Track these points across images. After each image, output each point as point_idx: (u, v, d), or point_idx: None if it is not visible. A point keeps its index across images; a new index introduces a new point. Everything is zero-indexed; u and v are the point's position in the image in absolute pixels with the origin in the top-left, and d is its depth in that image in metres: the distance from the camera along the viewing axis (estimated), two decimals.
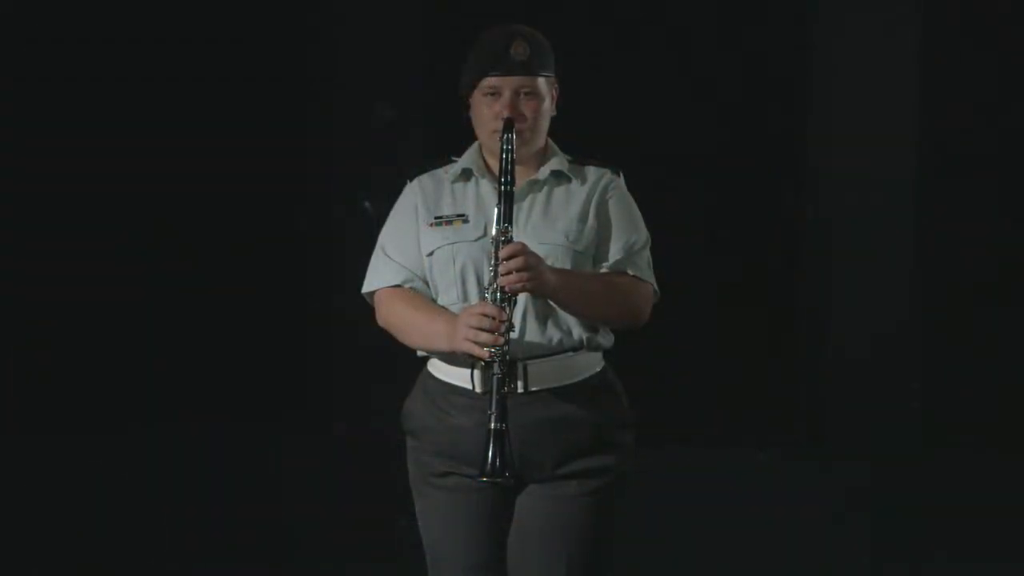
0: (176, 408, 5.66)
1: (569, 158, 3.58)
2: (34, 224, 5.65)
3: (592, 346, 3.49)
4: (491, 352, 3.30)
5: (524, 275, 3.31)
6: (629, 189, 3.60)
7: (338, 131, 5.74)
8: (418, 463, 3.55)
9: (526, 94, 3.47)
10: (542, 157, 3.56)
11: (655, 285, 3.54)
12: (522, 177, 3.48)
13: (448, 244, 3.47)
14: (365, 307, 3.61)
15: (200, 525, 5.51)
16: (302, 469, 5.63)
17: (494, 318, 3.30)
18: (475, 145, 3.58)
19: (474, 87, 3.50)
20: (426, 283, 3.52)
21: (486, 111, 3.48)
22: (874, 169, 5.73)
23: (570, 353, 3.47)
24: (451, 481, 3.49)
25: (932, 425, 5.77)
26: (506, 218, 3.35)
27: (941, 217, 5.78)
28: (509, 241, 3.34)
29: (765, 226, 5.88)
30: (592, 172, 3.56)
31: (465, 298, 3.46)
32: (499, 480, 3.30)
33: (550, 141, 3.60)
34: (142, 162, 5.63)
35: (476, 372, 3.43)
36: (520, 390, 3.42)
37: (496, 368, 3.30)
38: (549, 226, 3.48)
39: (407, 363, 3.63)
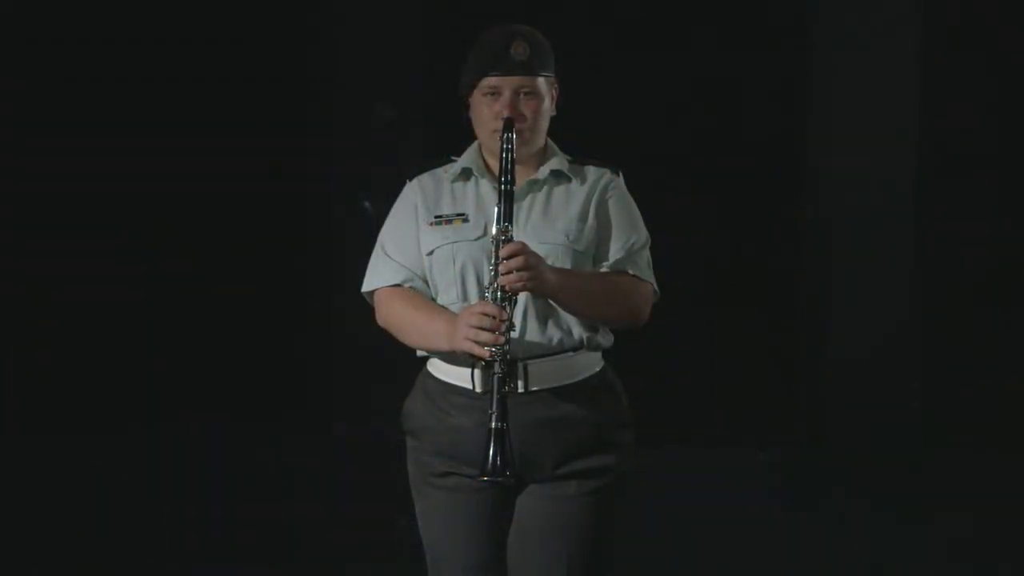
0: (176, 408, 5.66)
1: (569, 158, 3.58)
2: (34, 224, 5.65)
3: (592, 346, 3.49)
4: (491, 351, 3.30)
5: (524, 274, 3.32)
6: (629, 189, 3.60)
7: (338, 131, 5.74)
8: (418, 463, 3.55)
9: (526, 94, 3.47)
10: (542, 157, 3.56)
11: (655, 285, 3.54)
12: (522, 177, 3.48)
13: (448, 243, 3.48)
14: (365, 307, 3.61)
15: (200, 525, 5.51)
16: (302, 469, 5.63)
17: (494, 317, 3.30)
18: (475, 145, 3.58)
19: (474, 87, 3.50)
20: (426, 282, 3.52)
21: (486, 111, 3.48)
22: (874, 169, 5.73)
23: (570, 353, 3.47)
24: (451, 481, 3.49)
25: (932, 425, 5.77)
26: (506, 217, 3.35)
27: (941, 217, 5.77)
28: (509, 240, 3.34)
29: (765, 226, 5.87)
30: (592, 172, 3.56)
31: (465, 297, 3.46)
32: (500, 479, 3.30)
33: (550, 141, 3.60)
34: (142, 162, 5.62)
35: (476, 372, 3.43)
36: (520, 390, 3.42)
37: (496, 367, 3.30)
38: (549, 226, 3.48)
39: (407, 363, 3.63)
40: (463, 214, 3.51)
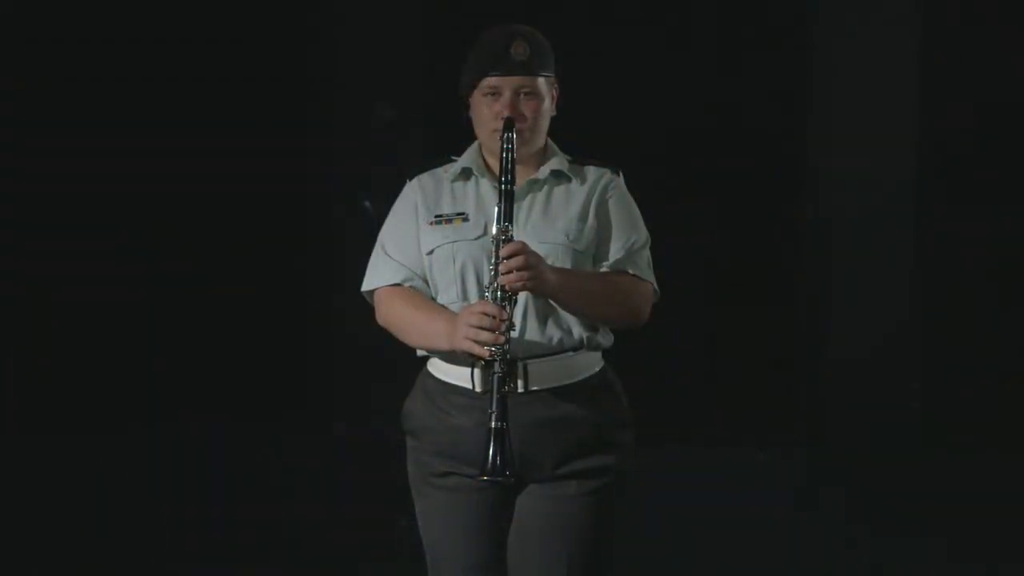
0: (176, 408, 5.66)
1: (569, 158, 3.59)
2: (34, 224, 5.65)
3: (592, 346, 3.50)
4: (491, 351, 3.30)
5: (524, 274, 3.32)
6: (629, 189, 3.60)
7: (338, 131, 5.74)
8: (418, 463, 3.55)
9: (526, 94, 3.47)
10: (542, 157, 3.56)
11: (655, 284, 3.54)
12: (522, 177, 3.48)
13: (448, 243, 3.48)
14: (365, 307, 3.61)
15: (200, 525, 5.51)
16: (302, 469, 5.63)
17: (494, 317, 3.30)
18: (475, 145, 3.58)
19: (474, 87, 3.50)
20: (426, 282, 3.52)
21: (486, 111, 3.48)
22: (874, 169, 5.73)
23: (570, 353, 3.47)
24: (451, 481, 3.49)
25: (932, 425, 5.77)
26: (506, 217, 3.36)
27: (941, 217, 5.77)
28: (509, 240, 3.34)
29: (765, 226, 5.87)
30: (592, 172, 3.57)
31: (464, 297, 3.46)
32: (500, 479, 3.30)
33: (550, 141, 3.60)
34: (142, 162, 5.63)
35: (476, 371, 3.43)
36: (520, 389, 3.42)
37: (496, 367, 3.30)
38: (549, 225, 3.48)
39: (407, 363, 3.63)
40: (463, 213, 3.51)
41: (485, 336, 3.30)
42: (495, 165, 3.47)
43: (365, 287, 3.58)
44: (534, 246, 3.38)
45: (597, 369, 3.53)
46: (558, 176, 3.55)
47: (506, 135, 3.41)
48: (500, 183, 3.39)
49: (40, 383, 5.70)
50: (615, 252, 3.50)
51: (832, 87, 5.77)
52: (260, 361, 5.74)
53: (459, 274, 3.47)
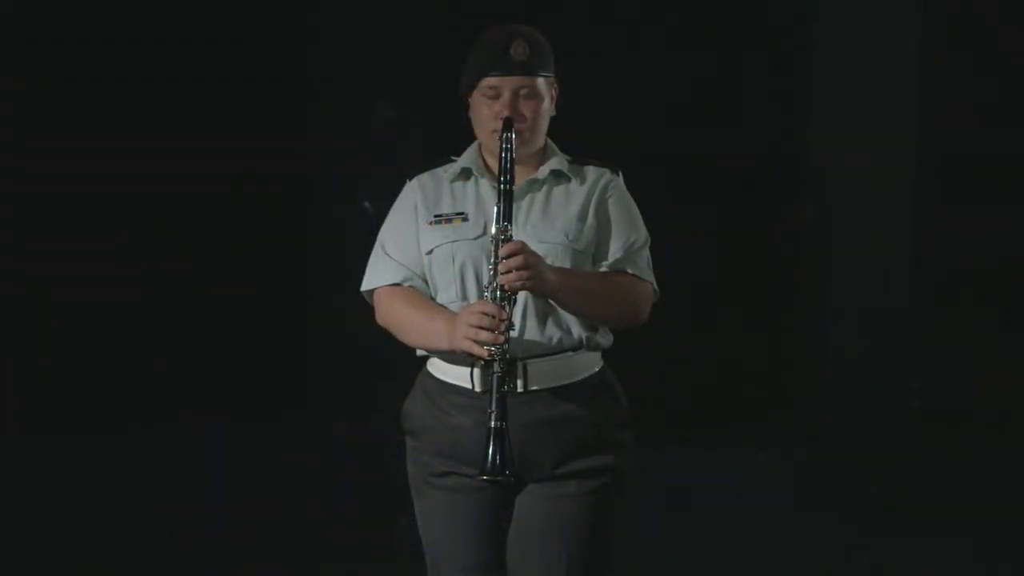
0: (176, 408, 5.65)
1: (569, 158, 3.59)
2: (34, 224, 5.65)
3: (591, 346, 3.50)
4: (491, 351, 3.30)
5: (524, 274, 3.32)
6: (629, 189, 3.60)
7: (338, 131, 5.74)
8: (418, 463, 3.55)
9: (525, 94, 3.48)
10: (541, 157, 3.56)
11: (655, 284, 3.55)
12: (521, 176, 3.49)
13: (447, 242, 3.48)
14: (365, 307, 3.61)
15: (200, 525, 5.51)
16: (302, 469, 5.63)
17: (494, 317, 3.30)
18: (475, 145, 3.58)
19: (474, 87, 3.50)
20: (425, 282, 3.52)
21: (486, 111, 3.48)
22: (874, 169, 5.72)
23: (570, 352, 3.47)
24: (451, 481, 3.49)
25: (932, 425, 5.77)
26: (506, 217, 3.36)
27: (941, 217, 5.77)
28: (509, 240, 3.34)
29: (765, 226, 5.87)
30: (592, 172, 3.57)
31: (464, 296, 3.46)
32: (500, 479, 3.30)
33: (549, 141, 3.60)
34: (142, 162, 5.62)
35: (476, 371, 3.43)
36: (520, 389, 3.42)
37: (496, 367, 3.30)
38: (548, 225, 3.48)
39: (407, 363, 3.63)
40: (463, 213, 3.51)
41: (485, 336, 3.30)
42: (495, 165, 3.47)
43: (365, 287, 3.58)
44: (533, 246, 3.38)
45: (597, 369, 3.53)
46: (558, 176, 3.55)
47: (505, 135, 3.41)
48: (499, 183, 3.39)
49: (40, 383, 5.70)
50: (615, 252, 3.50)
51: (832, 87, 5.77)
52: (260, 361, 5.74)
53: (458, 274, 3.47)
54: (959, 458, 5.69)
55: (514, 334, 3.36)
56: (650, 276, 3.54)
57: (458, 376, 3.47)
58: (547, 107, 3.53)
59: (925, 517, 5.58)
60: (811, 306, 5.86)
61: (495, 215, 3.37)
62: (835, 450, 5.76)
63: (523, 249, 3.33)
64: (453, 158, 3.60)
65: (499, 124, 3.44)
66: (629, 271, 3.50)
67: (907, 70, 5.73)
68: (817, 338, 5.83)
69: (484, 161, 3.56)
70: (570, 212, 3.50)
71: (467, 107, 3.55)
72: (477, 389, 3.43)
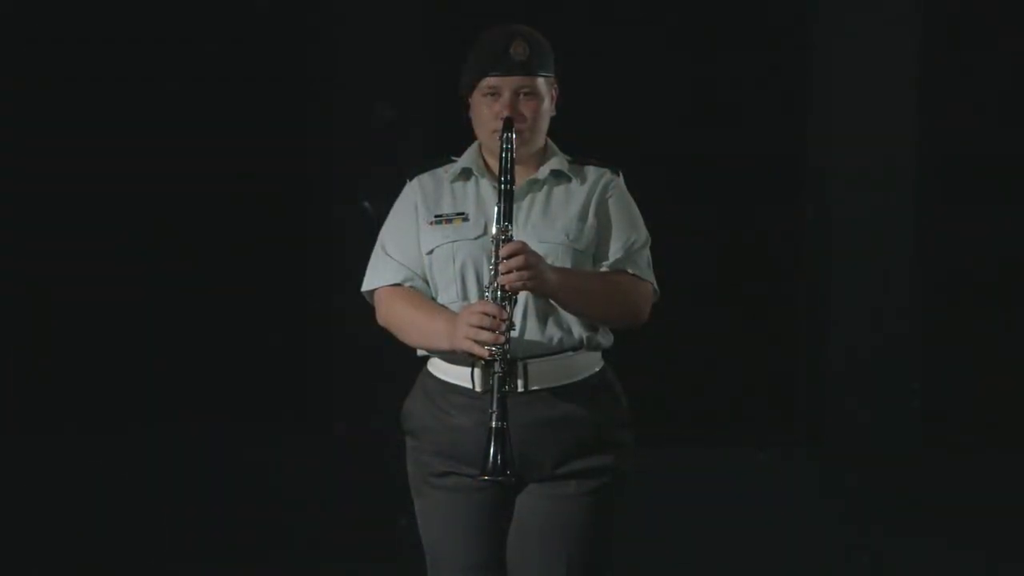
0: (176, 408, 5.66)
1: (569, 158, 3.59)
2: (34, 224, 5.65)
3: (592, 345, 3.50)
4: (491, 351, 3.30)
5: (524, 274, 3.32)
6: (629, 189, 3.60)
7: (338, 131, 5.74)
8: (418, 463, 3.55)
9: (525, 94, 3.48)
10: (542, 157, 3.56)
11: (655, 284, 3.55)
12: (522, 177, 3.49)
13: (448, 242, 3.48)
14: (365, 307, 3.61)
15: (200, 525, 5.51)
16: (302, 469, 5.63)
17: (495, 317, 3.30)
18: (475, 145, 3.58)
19: (474, 87, 3.50)
20: (426, 282, 3.52)
21: (486, 111, 3.48)
22: (874, 169, 5.72)
23: (570, 352, 3.47)
24: (451, 481, 3.49)
25: (932, 425, 5.77)
26: (506, 217, 3.36)
27: (941, 217, 5.77)
28: (509, 240, 3.34)
29: (765, 226, 5.87)
30: (592, 172, 3.57)
31: (464, 296, 3.46)
32: (500, 479, 3.30)
33: (549, 141, 3.60)
34: (142, 162, 5.62)
35: (476, 371, 3.43)
36: (520, 389, 3.42)
37: (496, 367, 3.30)
38: (549, 225, 3.48)
39: (407, 363, 3.63)
40: (463, 213, 3.51)
41: (485, 336, 3.30)
42: (495, 165, 3.47)
43: (365, 287, 3.58)
44: (534, 246, 3.38)
45: (597, 369, 3.53)
46: (558, 176, 3.55)
47: (505, 135, 3.41)
48: (500, 183, 3.39)
49: (40, 383, 5.70)
50: (615, 252, 3.50)
51: (832, 87, 5.77)
52: (260, 361, 5.74)
53: (459, 274, 3.47)
54: (959, 458, 5.69)
55: (515, 334, 3.36)
56: (650, 276, 3.54)
57: (459, 376, 3.47)
58: (547, 107, 3.53)
59: (925, 517, 5.58)
60: (811, 306, 5.86)
61: (495, 215, 3.37)
62: (835, 450, 5.76)
63: (524, 249, 3.33)
64: (453, 158, 3.60)
65: (499, 124, 3.44)
66: (629, 271, 3.50)
67: (907, 70, 5.73)
68: (817, 338, 5.83)
69: (484, 161, 3.56)
70: (570, 212, 3.50)
71: (467, 107, 3.55)
72: (477, 389, 3.44)
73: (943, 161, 5.75)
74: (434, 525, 3.54)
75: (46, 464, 5.62)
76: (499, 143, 3.42)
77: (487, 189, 3.52)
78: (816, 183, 5.81)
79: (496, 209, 3.37)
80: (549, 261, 3.40)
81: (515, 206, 3.41)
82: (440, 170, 3.59)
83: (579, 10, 5.71)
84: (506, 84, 3.46)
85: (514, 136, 3.42)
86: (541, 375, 3.44)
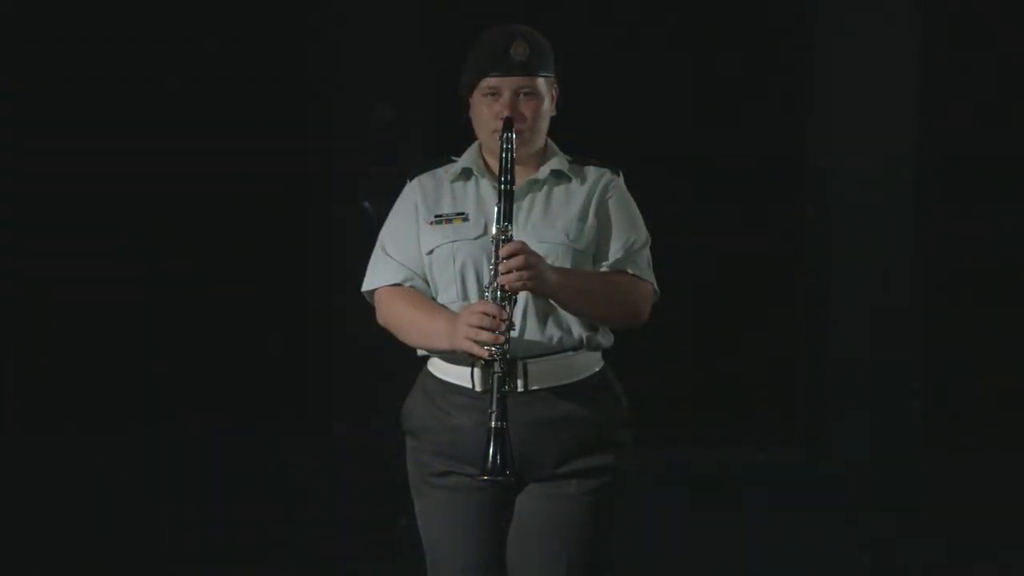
0: (176, 408, 5.66)
1: (569, 158, 3.59)
2: (34, 224, 5.65)
3: (592, 345, 3.50)
4: (491, 351, 3.30)
5: (524, 274, 3.32)
6: (629, 189, 3.60)
7: (338, 131, 5.74)
8: (418, 463, 3.55)
9: (526, 94, 3.48)
10: (542, 157, 3.57)
11: (655, 284, 3.55)
12: (522, 177, 3.49)
13: (448, 242, 3.48)
14: (365, 307, 3.61)
15: (200, 525, 5.51)
16: (302, 469, 5.63)
17: (495, 317, 3.30)
18: (475, 145, 3.59)
19: (474, 87, 3.51)
20: (426, 282, 3.52)
21: (486, 111, 3.48)
22: (874, 169, 5.72)
23: (570, 352, 3.47)
24: (451, 481, 3.49)
25: (932, 425, 5.77)
26: (506, 217, 3.36)
27: (941, 217, 5.77)
28: (509, 240, 3.34)
29: (765, 226, 5.87)
30: (592, 172, 3.57)
31: (464, 296, 3.46)
32: (500, 479, 3.30)
33: (550, 141, 3.60)
34: (142, 162, 5.62)
35: (476, 371, 3.43)
36: (520, 389, 3.42)
37: (496, 367, 3.30)
38: (549, 225, 3.49)
39: (407, 363, 3.63)
40: (463, 213, 3.51)
41: (485, 336, 3.30)
42: (495, 165, 3.47)
43: (365, 287, 3.58)
44: (534, 246, 3.38)
45: (597, 369, 3.53)
46: (558, 176, 3.55)
47: (505, 135, 3.42)
48: (500, 183, 3.39)
49: (40, 383, 5.70)
50: (615, 252, 3.50)
51: (832, 87, 5.77)
52: (260, 361, 5.74)
53: (459, 274, 3.47)
54: (959, 458, 5.69)
55: (514, 334, 3.36)
56: (650, 276, 3.54)
57: (458, 376, 3.47)
58: (547, 107, 3.53)
59: (925, 517, 5.58)
60: (811, 306, 5.86)
61: (495, 215, 3.37)
62: (835, 450, 5.76)
63: (524, 249, 3.33)
64: (453, 158, 3.60)
65: (499, 124, 3.44)
66: (629, 271, 3.50)
67: (907, 70, 5.73)
68: (817, 338, 5.83)
69: (484, 161, 3.56)
70: (570, 212, 3.50)
71: (467, 107, 3.55)
72: (477, 389, 3.44)
73: (943, 161, 5.75)
74: (434, 525, 3.54)
75: (46, 464, 5.62)
76: (499, 143, 3.42)
77: (487, 189, 3.52)
78: (816, 183, 5.81)
79: (496, 209, 3.38)
80: (549, 261, 3.40)
81: (515, 206, 3.41)
82: (440, 170, 3.59)
83: (579, 10, 5.71)
84: (506, 84, 3.46)
85: (514, 136, 3.42)
86: (541, 375, 3.44)
